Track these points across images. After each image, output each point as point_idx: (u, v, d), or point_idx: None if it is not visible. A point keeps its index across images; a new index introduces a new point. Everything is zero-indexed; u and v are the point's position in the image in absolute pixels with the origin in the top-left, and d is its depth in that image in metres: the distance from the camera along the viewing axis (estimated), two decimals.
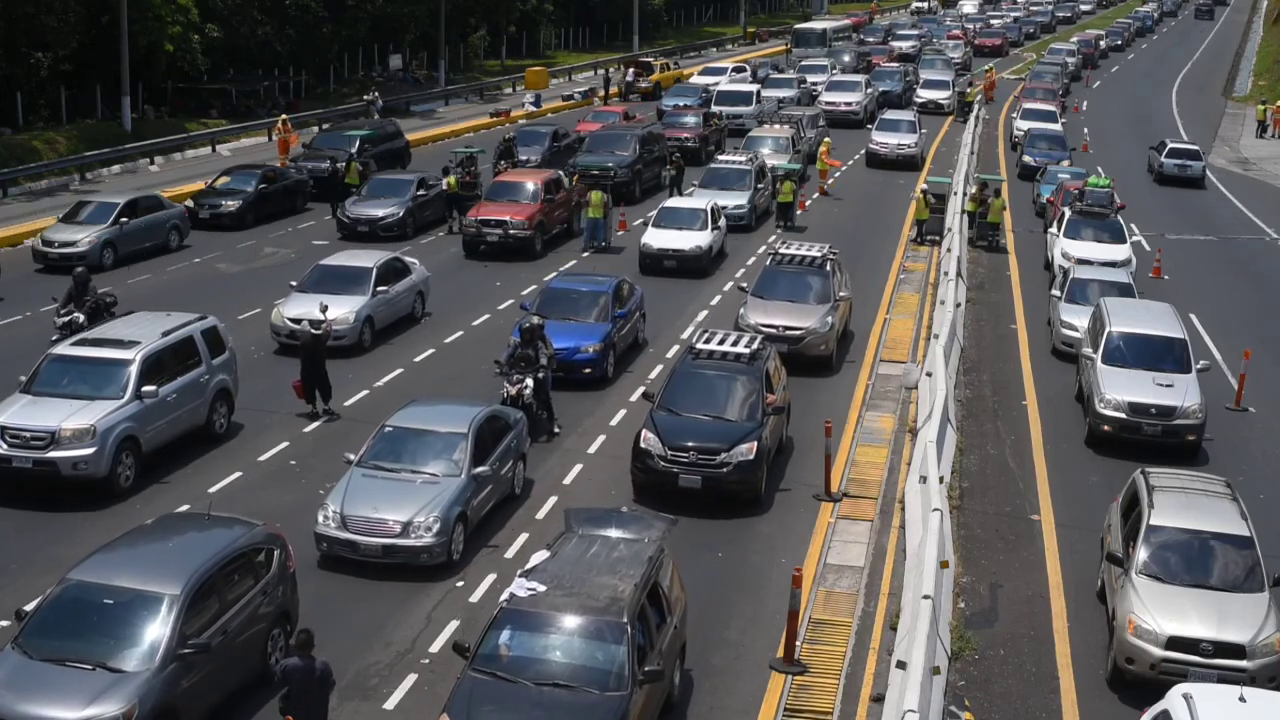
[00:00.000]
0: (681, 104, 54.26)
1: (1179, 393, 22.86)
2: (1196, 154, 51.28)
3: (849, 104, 59.45)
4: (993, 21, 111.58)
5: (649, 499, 19.70)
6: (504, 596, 14.07)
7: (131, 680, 13.12)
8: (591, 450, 22.33)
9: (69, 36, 48.05)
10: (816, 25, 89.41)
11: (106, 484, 19.62)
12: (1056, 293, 29.24)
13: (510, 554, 18.56)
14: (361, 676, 15.48)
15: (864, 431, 23.54)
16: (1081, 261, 31.51)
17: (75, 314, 24.73)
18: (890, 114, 53.05)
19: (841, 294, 27.59)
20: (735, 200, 38.28)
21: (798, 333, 25.97)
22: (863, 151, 50.49)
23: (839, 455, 22.02)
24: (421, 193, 37.77)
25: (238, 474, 20.90)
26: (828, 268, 27.64)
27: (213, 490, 20.07)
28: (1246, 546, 16.47)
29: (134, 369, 20.35)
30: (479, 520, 18.97)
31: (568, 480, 21.16)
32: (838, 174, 46.99)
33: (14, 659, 13.41)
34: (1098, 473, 22.18)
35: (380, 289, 27.56)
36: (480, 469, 18.77)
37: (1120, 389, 22.95)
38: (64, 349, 21.10)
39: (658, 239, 33.48)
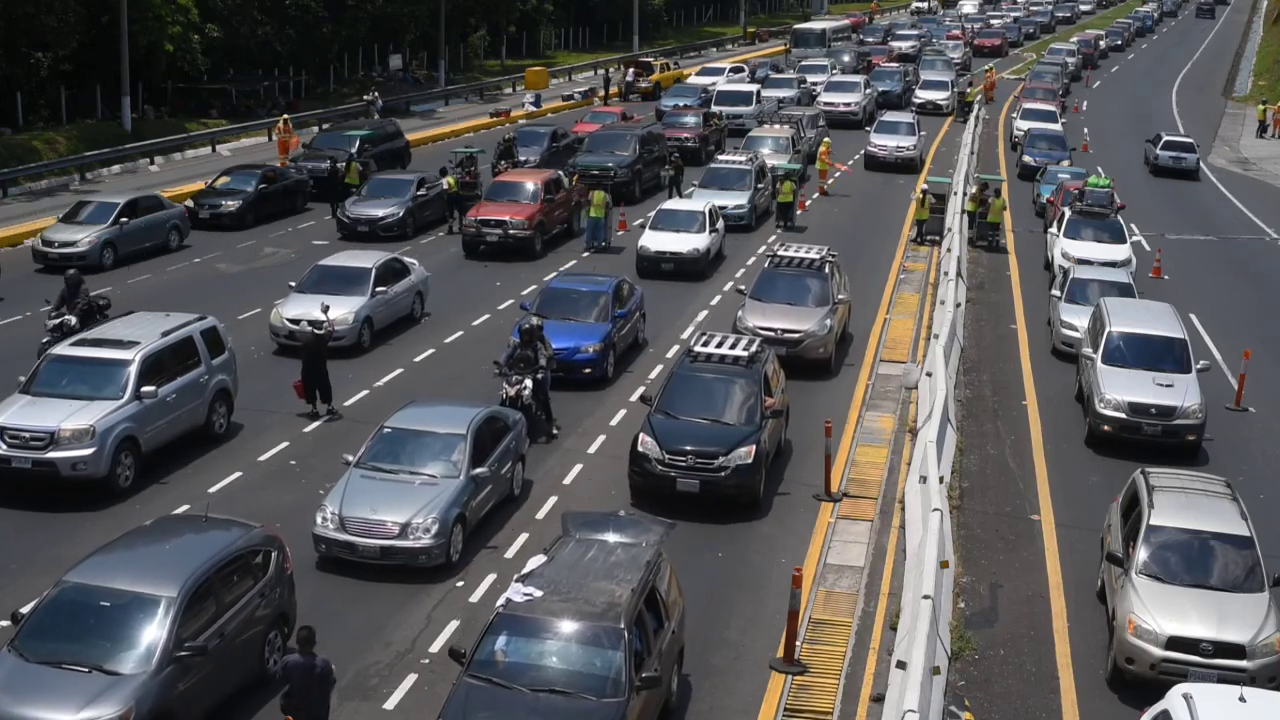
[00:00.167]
0: (681, 104, 54.25)
1: (1179, 393, 22.85)
2: (1191, 147, 52.67)
3: (847, 105, 59.34)
4: (993, 21, 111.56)
5: (647, 503, 19.65)
6: (500, 602, 13.98)
7: (128, 683, 13.08)
8: (591, 450, 22.32)
9: (69, 36, 48.05)
10: (815, 25, 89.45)
11: (106, 484, 19.61)
12: (1056, 293, 29.24)
13: (510, 554, 18.55)
14: (361, 676, 15.48)
15: (864, 431, 23.54)
16: (1081, 261, 31.51)
17: (66, 316, 24.54)
18: (889, 116, 52.69)
19: (840, 296, 27.46)
20: (735, 200, 38.28)
21: (796, 335, 25.86)
22: (861, 153, 50.27)
23: (839, 455, 22.01)
24: (421, 193, 37.76)
25: (237, 474, 20.89)
26: (826, 270, 27.53)
27: (212, 490, 20.08)
28: (1246, 546, 16.46)
29: (133, 369, 20.33)
30: (478, 521, 18.94)
31: (568, 480, 21.16)
32: (838, 175, 46.96)
33: (10, 662, 13.37)
34: (1098, 473, 22.18)
35: (379, 289, 27.54)
36: (479, 470, 18.74)
37: (1120, 389, 22.94)
38: (63, 349, 21.08)
39: (655, 241, 33.26)
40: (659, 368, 26.02)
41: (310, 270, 28.07)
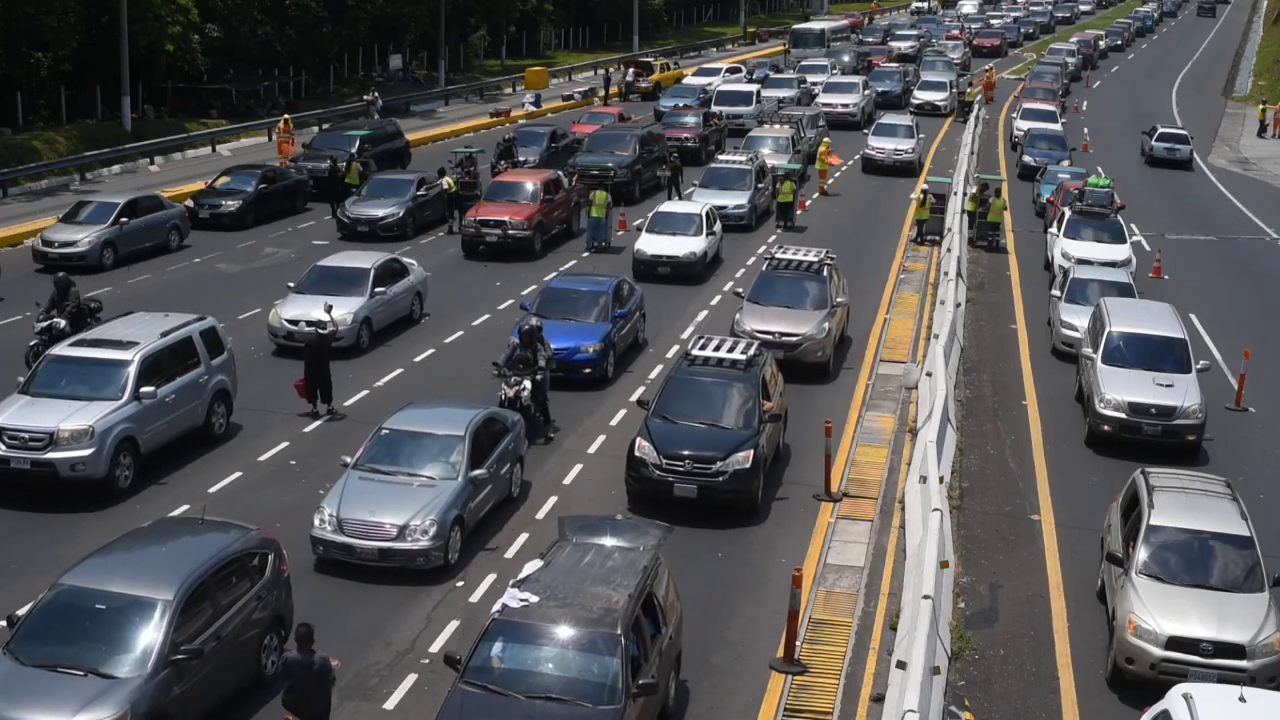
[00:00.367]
0: (681, 104, 54.25)
1: (1179, 393, 22.85)
2: (1185, 139, 54.68)
3: (846, 106, 59.12)
4: (992, 22, 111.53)
5: (644, 508, 19.54)
6: (496, 607, 13.87)
7: (123, 686, 13.02)
8: (591, 450, 22.31)
9: (69, 36, 48.04)
10: (815, 26, 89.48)
11: (105, 485, 19.59)
12: (1056, 293, 29.23)
13: (510, 554, 18.54)
14: (361, 677, 15.46)
15: (864, 431, 23.53)
16: (1081, 261, 31.49)
17: (55, 319, 24.43)
18: (887, 118, 52.05)
19: (839, 299, 27.25)
20: (736, 200, 38.27)
21: (794, 339, 25.63)
22: (859, 156, 49.81)
23: (839, 455, 21.99)
24: (421, 193, 37.75)
25: (237, 474, 20.88)
26: (825, 273, 27.29)
27: (212, 490, 20.08)
28: (1246, 546, 16.46)
29: (132, 370, 20.31)
30: (476, 523, 18.91)
31: (568, 480, 21.15)
32: (838, 173, 46.93)
33: (5, 665, 13.31)
34: (1098, 473, 22.17)
35: (378, 290, 27.52)
36: (477, 472, 18.69)
37: (1120, 389, 22.94)
38: (62, 349, 21.06)
39: (651, 245, 32.89)
40: (659, 368, 26.00)
41: (309, 271, 28.05)
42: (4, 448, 19.30)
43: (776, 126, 47.39)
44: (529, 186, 35.95)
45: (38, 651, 13.37)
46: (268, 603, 15.16)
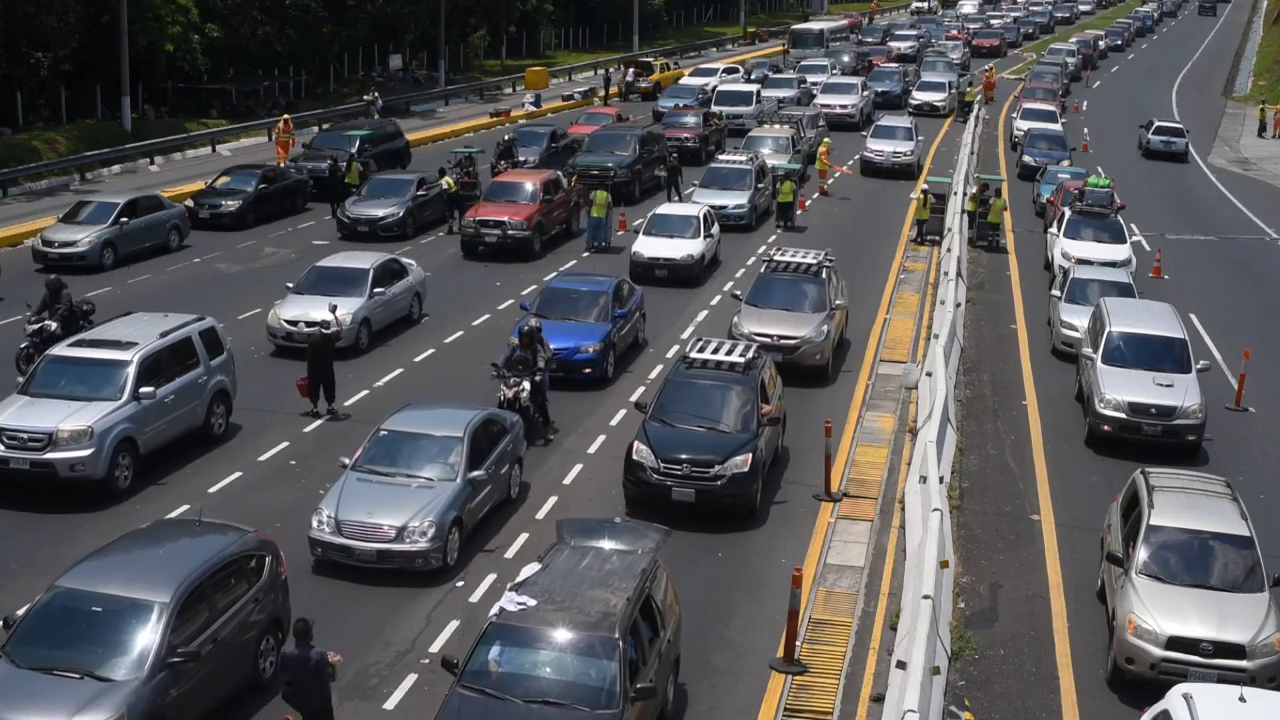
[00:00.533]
0: (680, 104, 54.23)
1: (1179, 393, 22.84)
2: (1180, 132, 56.72)
3: (844, 107, 58.95)
4: (992, 22, 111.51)
5: (642, 512, 19.41)
6: (493, 611, 13.81)
7: (119, 689, 12.98)
8: (591, 450, 22.30)
9: (69, 36, 48.04)
10: (814, 26, 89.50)
11: (104, 485, 19.57)
12: (1056, 293, 29.22)
13: (510, 554, 18.53)
14: (361, 676, 15.45)
15: (864, 431, 23.52)
16: (1081, 261, 31.48)
17: (47, 321, 24.31)
18: (886, 120, 51.48)
19: (838, 302, 27.09)
20: (736, 200, 38.26)
21: (792, 342, 25.45)
22: (856, 158, 49.32)
23: (839, 455, 21.99)
24: (421, 193, 37.74)
25: (237, 474, 20.87)
26: (823, 275, 27.11)
27: (212, 491, 20.07)
28: (1246, 546, 16.45)
29: (131, 370, 20.30)
30: (475, 525, 18.89)
31: (568, 480, 21.14)
32: (837, 175, 46.89)
33: (1, 667, 13.26)
34: (1098, 473, 22.16)
35: (377, 290, 27.51)
36: (476, 473, 18.65)
37: (1120, 389, 22.93)
38: (62, 350, 21.05)
39: (648, 247, 32.64)
40: (659, 368, 25.99)
41: (307, 271, 28.03)
42: (3, 448, 19.29)
43: (776, 126, 47.36)
44: (528, 187, 35.93)
45: (34, 654, 13.32)
46: (265, 605, 15.13)
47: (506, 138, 44.00)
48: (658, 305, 29.51)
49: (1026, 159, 48.17)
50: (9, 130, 46.40)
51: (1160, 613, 15.56)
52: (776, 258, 28.18)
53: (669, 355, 26.72)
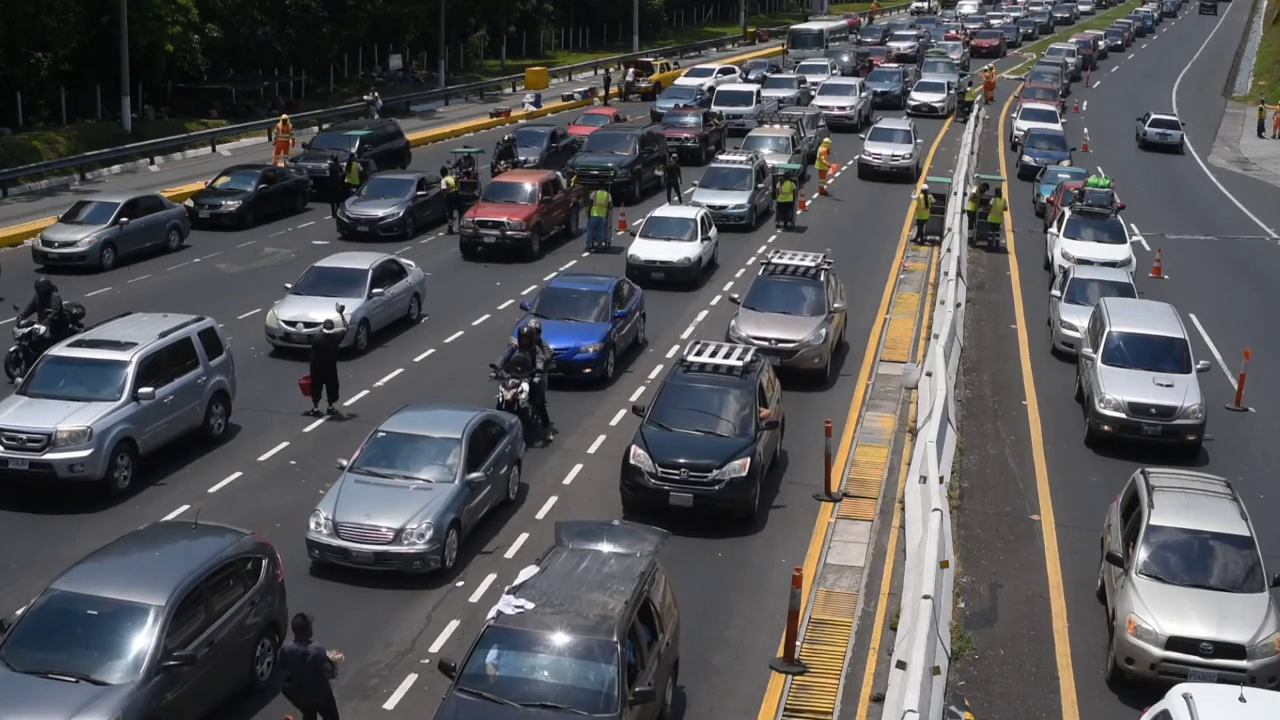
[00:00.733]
0: (680, 104, 54.22)
1: (1179, 393, 22.83)
2: (1176, 124, 58.83)
3: (842, 108, 58.73)
4: (992, 22, 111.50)
5: (639, 517, 19.23)
6: (491, 614, 13.76)
7: (115, 693, 12.92)
8: (591, 450, 22.29)
9: (69, 36, 48.03)
10: (813, 26, 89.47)
11: (103, 486, 19.55)
12: (1056, 293, 29.22)
13: (510, 554, 18.52)
14: (361, 676, 15.44)
15: (864, 431, 23.51)
16: (1081, 261, 31.48)
17: (36, 325, 24.17)
18: (884, 122, 50.97)
19: (836, 305, 26.90)
20: (736, 200, 38.24)
21: (790, 345, 25.25)
22: (854, 160, 48.96)
23: (839, 455, 21.98)
24: (421, 193, 37.72)
25: (237, 475, 20.86)
26: (822, 278, 26.94)
27: (212, 491, 20.07)
28: (1246, 546, 16.45)
29: (130, 370, 20.28)
30: (473, 526, 18.86)
31: (568, 480, 21.13)
32: (836, 175, 46.86)
33: None
34: (1098, 473, 22.16)
35: (376, 291, 27.48)
36: (474, 475, 18.60)
37: (1120, 389, 22.92)
38: (61, 350, 21.02)
39: (645, 250, 32.43)
40: (659, 368, 25.97)
41: (306, 272, 28.01)
42: (2, 449, 19.28)
43: (776, 126, 47.31)
44: (527, 187, 35.89)
45: (29, 657, 13.25)
46: (262, 608, 15.08)
47: (506, 138, 43.98)
48: (657, 306, 29.50)
49: (1026, 159, 48.14)
50: (9, 130, 46.40)
51: (1160, 613, 15.55)
52: (774, 260, 27.98)
53: (669, 355, 26.70)
